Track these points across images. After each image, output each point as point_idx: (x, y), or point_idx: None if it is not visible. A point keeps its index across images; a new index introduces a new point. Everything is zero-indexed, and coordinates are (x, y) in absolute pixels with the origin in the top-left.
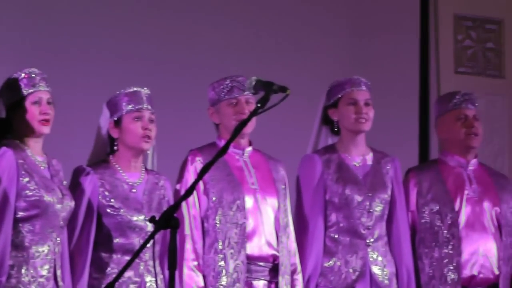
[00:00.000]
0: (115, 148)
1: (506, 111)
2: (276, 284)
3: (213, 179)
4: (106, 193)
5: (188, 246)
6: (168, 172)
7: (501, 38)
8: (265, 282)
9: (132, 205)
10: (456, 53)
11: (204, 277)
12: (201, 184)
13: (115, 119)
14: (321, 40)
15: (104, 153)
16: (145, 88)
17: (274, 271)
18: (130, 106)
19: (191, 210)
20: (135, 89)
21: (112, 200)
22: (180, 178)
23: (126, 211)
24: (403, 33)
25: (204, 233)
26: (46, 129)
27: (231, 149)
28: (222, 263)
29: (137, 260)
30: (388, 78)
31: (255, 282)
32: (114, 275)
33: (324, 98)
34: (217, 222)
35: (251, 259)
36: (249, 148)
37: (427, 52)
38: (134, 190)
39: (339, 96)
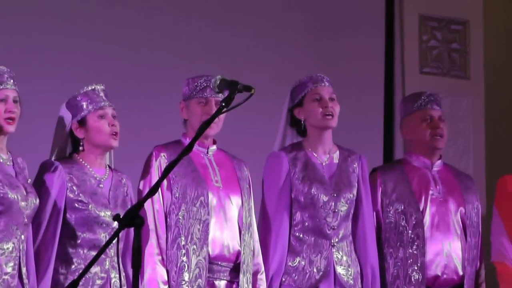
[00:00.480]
0: (81, 148)
1: (471, 112)
2: (238, 283)
3: (177, 175)
4: (74, 188)
5: (153, 240)
6: (129, 169)
7: (466, 39)
8: (226, 282)
9: (100, 200)
10: (421, 53)
11: (167, 272)
12: (165, 179)
13: (79, 119)
14: (286, 40)
15: (64, 153)
16: (101, 84)
17: (236, 270)
18: (92, 105)
19: (155, 205)
20: (92, 87)
21: (81, 195)
22: (144, 173)
23: (94, 206)
24: (369, 33)
25: (167, 228)
26: (11, 128)
27: (195, 147)
28: (184, 258)
29: (103, 256)
30: (353, 77)
31: (217, 282)
32: (80, 270)
33: (288, 99)
34: (180, 217)
35: (213, 258)
36: (214, 147)
37: (392, 52)
38: (101, 186)
39: (303, 94)
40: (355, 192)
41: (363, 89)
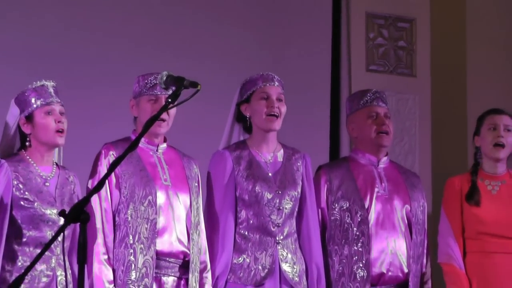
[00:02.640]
0: (27, 144)
1: (417, 110)
2: (186, 280)
3: (126, 173)
4: (20, 186)
5: (99, 240)
6: (79, 167)
7: (413, 37)
8: (175, 278)
9: (46, 198)
10: (368, 51)
11: (114, 271)
12: (113, 178)
13: (26, 115)
14: (234, 38)
15: (12, 149)
16: (51, 81)
17: (184, 267)
18: (40, 101)
19: (103, 203)
20: (42, 83)
21: (26, 193)
22: (93, 172)
23: (40, 204)
24: (315, 30)
25: (115, 227)
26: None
27: (145, 145)
28: (132, 257)
29: (49, 254)
30: (300, 75)
31: (164, 278)
32: (25, 268)
33: (237, 94)
34: (129, 216)
35: (161, 255)
36: (164, 145)
37: (339, 50)
38: (47, 184)
39: (252, 91)
40: (299, 190)
41: (310, 86)
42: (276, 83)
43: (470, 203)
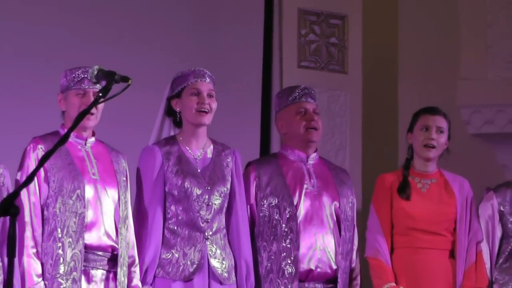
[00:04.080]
0: None
1: (348, 107)
2: (115, 274)
3: (54, 167)
4: None
5: (28, 233)
6: (6, 159)
7: (345, 34)
8: (103, 271)
9: None
10: (299, 47)
11: (42, 264)
12: (42, 171)
13: None
14: (165, 32)
15: None
16: None
17: (113, 261)
18: None
19: (31, 197)
20: None
21: None
22: (21, 165)
23: None
24: (248, 26)
25: (44, 220)
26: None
27: (73, 139)
28: (60, 251)
29: None
30: (231, 71)
31: (93, 271)
32: None
33: (168, 89)
34: (57, 210)
35: (89, 249)
36: (92, 139)
37: (271, 46)
38: None
39: (183, 86)
40: (228, 186)
41: (241, 82)
42: (207, 79)
43: (402, 196)
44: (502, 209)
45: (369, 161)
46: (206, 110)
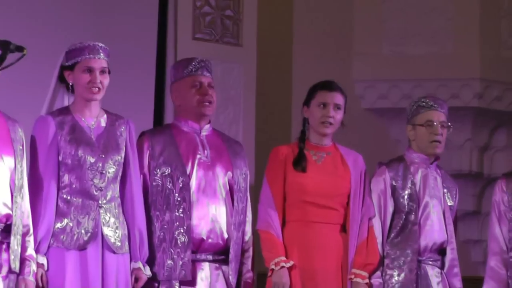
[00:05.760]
0: None
1: (242, 79)
2: (8, 244)
3: None
4: None
5: None
6: None
7: (240, 6)
8: None
9: None
10: (194, 19)
11: None
12: None
13: None
14: (59, 3)
15: None
16: None
17: (6, 231)
18: None
19: None
20: None
21: None
22: None
23: None
24: None
25: None
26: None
27: None
28: None
29: None
30: (126, 42)
31: None
32: None
33: (63, 58)
34: None
35: None
36: None
37: (166, 17)
38: None
39: (76, 60)
40: (122, 154)
41: (136, 53)
42: (102, 55)
43: (297, 169)
44: (394, 183)
45: (262, 134)
46: (98, 87)
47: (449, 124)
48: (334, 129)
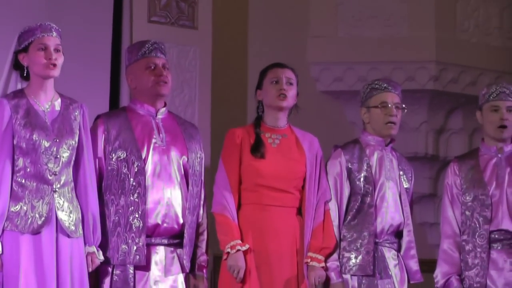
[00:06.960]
0: None
1: (198, 62)
2: None
3: None
4: None
5: None
6: None
7: None
8: None
9: None
10: (150, 2)
11: None
12: None
13: None
14: None
15: None
16: None
17: None
18: None
19: None
20: None
21: None
22: None
23: None
24: None
25: None
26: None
27: None
28: None
29: None
30: (81, 25)
31: None
32: None
33: (15, 43)
34: None
35: None
36: None
37: (121, 1)
38: None
39: (30, 41)
40: (76, 139)
41: (91, 36)
42: (54, 34)
43: (256, 156)
44: (350, 166)
45: (218, 117)
46: (54, 63)
47: (403, 105)
48: (289, 104)
